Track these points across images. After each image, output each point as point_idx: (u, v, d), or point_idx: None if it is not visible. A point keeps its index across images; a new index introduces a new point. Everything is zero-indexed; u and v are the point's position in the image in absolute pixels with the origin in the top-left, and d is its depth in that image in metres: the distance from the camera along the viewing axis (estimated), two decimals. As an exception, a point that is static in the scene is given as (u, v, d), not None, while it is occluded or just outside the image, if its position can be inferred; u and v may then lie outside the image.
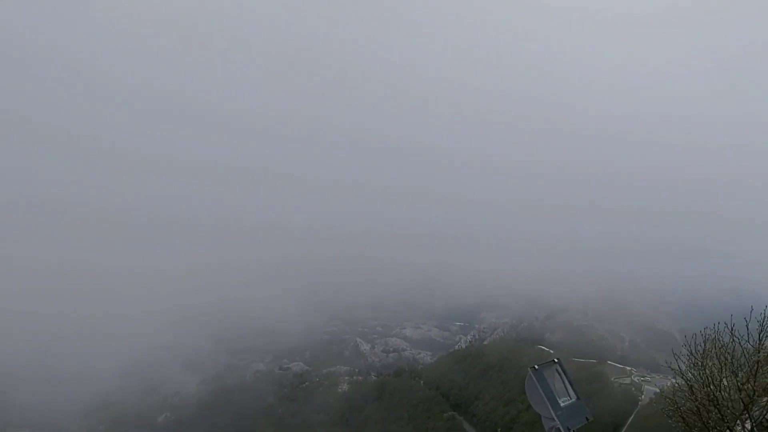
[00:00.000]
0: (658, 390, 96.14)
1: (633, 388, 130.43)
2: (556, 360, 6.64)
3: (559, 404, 6.07)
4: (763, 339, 11.17)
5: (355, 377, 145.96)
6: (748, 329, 11.40)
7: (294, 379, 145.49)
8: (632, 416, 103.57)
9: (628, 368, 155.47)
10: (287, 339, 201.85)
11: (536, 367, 6.25)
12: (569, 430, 5.91)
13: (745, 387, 10.59)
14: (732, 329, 11.47)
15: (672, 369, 12.17)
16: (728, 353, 11.15)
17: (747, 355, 11.07)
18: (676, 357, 12.09)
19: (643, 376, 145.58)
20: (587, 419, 6.24)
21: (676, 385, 13.34)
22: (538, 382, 6.10)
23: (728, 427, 10.78)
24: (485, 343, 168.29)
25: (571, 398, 6.32)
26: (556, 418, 5.99)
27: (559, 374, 6.51)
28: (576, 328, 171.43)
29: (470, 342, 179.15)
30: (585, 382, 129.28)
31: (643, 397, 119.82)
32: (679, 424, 11.98)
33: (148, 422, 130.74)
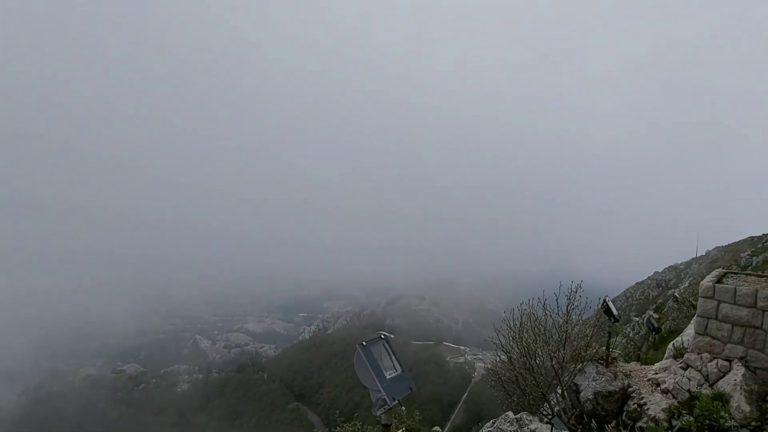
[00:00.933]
0: (488, 366, 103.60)
1: (466, 366, 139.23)
2: (382, 336, 6.94)
3: (385, 377, 6.32)
4: (571, 311, 12.38)
5: (195, 375, 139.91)
6: (557, 303, 12.54)
7: (129, 382, 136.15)
8: (466, 392, 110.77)
9: (462, 347, 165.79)
10: (119, 340, 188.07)
11: (364, 343, 6.45)
12: (394, 399, 6.19)
13: (556, 355, 11.67)
14: (544, 304, 12.57)
15: (494, 343, 13.06)
16: (541, 326, 12.22)
17: (557, 327, 12.22)
18: (498, 332, 12.97)
19: (476, 354, 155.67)
20: (411, 389, 6.61)
21: (499, 358, 14.37)
22: (366, 358, 6.31)
23: (542, 393, 11.84)
24: (329, 332, 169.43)
25: (396, 371, 6.63)
26: (381, 390, 6.22)
27: (386, 349, 6.81)
28: (414, 313, 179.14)
29: (314, 332, 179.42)
30: (423, 363, 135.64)
31: (475, 373, 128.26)
32: (501, 392, 12.95)
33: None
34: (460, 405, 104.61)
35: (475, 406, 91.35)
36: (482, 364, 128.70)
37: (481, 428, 8.68)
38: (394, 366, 6.73)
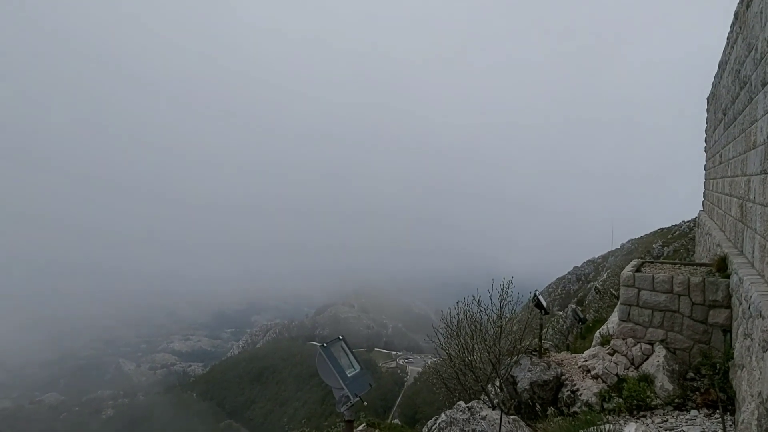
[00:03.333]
0: (420, 369, 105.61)
1: (399, 371, 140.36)
2: (340, 337, 7.29)
3: (346, 375, 6.68)
4: (504, 307, 12.90)
5: (120, 400, 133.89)
6: (491, 300, 13.04)
7: (49, 413, 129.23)
8: (400, 396, 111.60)
9: (393, 352, 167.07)
10: (35, 370, 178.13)
11: (324, 345, 6.78)
12: (356, 395, 6.56)
13: (493, 350, 12.14)
14: (479, 301, 13.05)
15: (433, 342, 13.41)
16: (477, 322, 12.68)
17: (492, 323, 12.70)
18: (436, 331, 13.33)
19: (407, 358, 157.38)
20: (370, 385, 7.00)
21: (438, 358, 14.71)
22: (327, 358, 6.64)
23: (481, 386, 12.28)
24: (258, 346, 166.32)
25: (355, 369, 6.98)
26: (345, 387, 6.55)
27: (344, 350, 7.16)
28: (344, 321, 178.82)
29: (243, 347, 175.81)
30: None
31: (408, 377, 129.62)
32: (443, 390, 13.31)
33: None
34: (394, 409, 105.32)
35: (410, 409, 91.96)
36: (414, 368, 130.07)
37: (435, 421, 8.95)
38: (352, 364, 7.05)
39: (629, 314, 11.69)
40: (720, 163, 16.48)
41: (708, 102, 21.77)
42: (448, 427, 8.52)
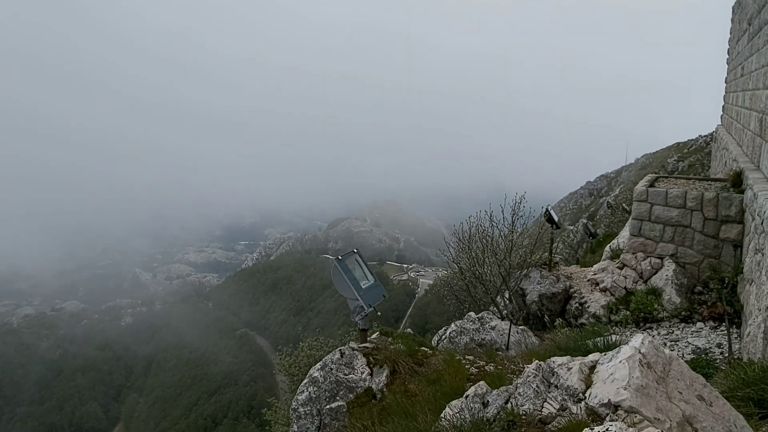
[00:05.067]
0: (431, 282, 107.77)
1: (410, 283, 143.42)
2: (355, 251, 7.49)
3: (360, 286, 6.94)
4: (515, 221, 13.02)
5: (138, 309, 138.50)
6: (503, 214, 13.16)
7: (70, 319, 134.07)
8: (411, 307, 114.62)
9: (405, 266, 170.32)
10: (54, 278, 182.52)
11: (340, 257, 6.98)
12: (370, 306, 6.82)
13: (503, 263, 12.36)
14: (491, 216, 13.19)
15: (444, 256, 13.67)
16: (488, 236, 12.86)
17: (503, 237, 12.87)
18: (448, 245, 13.56)
19: (418, 271, 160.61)
20: (384, 296, 7.26)
21: (449, 271, 14.99)
22: (343, 271, 6.85)
23: (491, 298, 12.61)
24: (272, 258, 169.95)
25: (369, 281, 7.23)
26: (359, 298, 6.82)
27: (358, 263, 7.38)
28: (356, 235, 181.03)
29: (257, 259, 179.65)
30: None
31: (419, 289, 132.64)
32: (453, 301, 13.69)
33: None
34: (405, 319, 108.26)
35: (420, 320, 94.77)
36: (425, 281, 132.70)
37: (446, 330, 9.26)
38: (366, 277, 7.28)
39: (640, 229, 11.78)
40: (741, 75, 16.02)
41: (733, 11, 20.80)
42: (459, 336, 8.83)
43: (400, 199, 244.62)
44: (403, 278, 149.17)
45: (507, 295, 12.73)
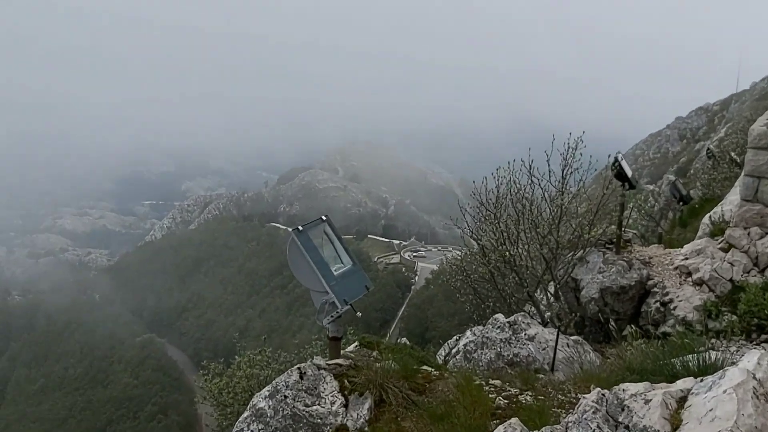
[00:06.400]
0: (436, 267, 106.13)
1: (404, 269, 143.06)
2: (323, 218, 7.11)
3: (332, 273, 6.68)
4: (567, 177, 12.91)
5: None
6: (549, 166, 13.02)
7: None
8: (404, 306, 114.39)
9: (396, 242, 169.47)
10: None
11: (300, 228, 6.63)
12: (347, 302, 6.61)
13: (547, 240, 12.36)
14: (530, 168, 13.00)
15: (458, 228, 13.62)
16: (527, 199, 12.72)
17: (549, 200, 12.78)
18: (463, 212, 13.44)
19: (416, 251, 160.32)
20: (367, 288, 7.05)
21: (464, 250, 14.98)
22: (304, 248, 6.57)
23: (528, 293, 12.63)
24: (192, 227, 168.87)
25: (344, 265, 6.99)
26: (330, 291, 6.55)
27: (328, 236, 7.08)
28: (322, 193, 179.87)
29: (169, 228, 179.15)
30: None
31: (416, 278, 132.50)
32: (470, 297, 13.71)
33: None
34: (396, 322, 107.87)
35: (418, 324, 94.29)
36: (426, 265, 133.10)
37: (457, 341, 9.31)
38: (340, 258, 7.07)
39: (757, 191, 11.78)
40: None
41: None
42: (479, 350, 8.86)
43: (387, 140, 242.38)
44: (394, 261, 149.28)
45: (552, 289, 12.82)
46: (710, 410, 3.43)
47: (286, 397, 6.36)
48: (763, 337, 10.38)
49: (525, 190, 12.79)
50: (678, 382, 3.97)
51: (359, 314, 6.89)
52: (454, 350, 9.11)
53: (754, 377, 3.48)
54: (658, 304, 11.82)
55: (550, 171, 12.95)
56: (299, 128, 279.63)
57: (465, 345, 9.05)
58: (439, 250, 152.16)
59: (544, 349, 8.75)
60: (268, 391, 6.57)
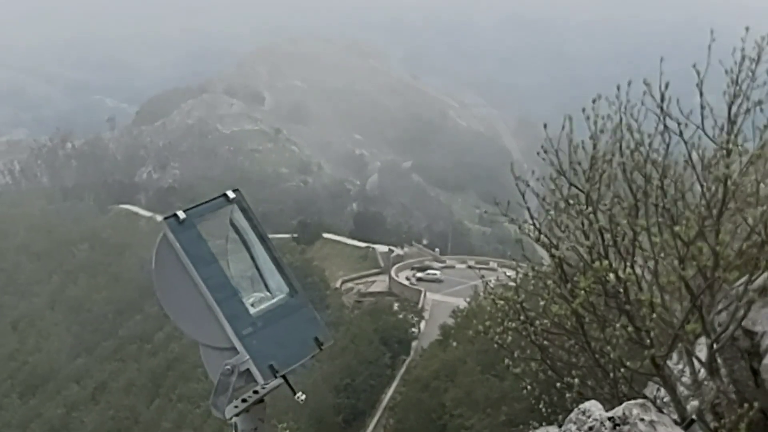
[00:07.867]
0: (464, 303, 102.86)
1: (396, 305, 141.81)
2: (230, 195, 6.01)
3: (246, 310, 5.77)
4: (738, 119, 12.68)
5: None
6: (701, 95, 12.90)
7: None
8: (395, 381, 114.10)
9: (382, 248, 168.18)
10: None
11: (180, 215, 5.58)
12: (275, 372, 5.66)
13: (695, 251, 12.18)
14: (662, 97, 12.74)
15: (512, 220, 13.57)
16: (657, 164, 12.48)
17: (701, 167, 12.58)
18: (523, 188, 13.25)
19: (425, 269, 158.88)
20: (318, 343, 6.11)
21: (526, 269, 14.91)
22: (189, 255, 5.46)
23: (654, 360, 12.49)
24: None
25: (273, 293, 6.24)
26: (241, 346, 5.61)
27: (240, 233, 6.31)
28: (229, 143, 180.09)
29: None
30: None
31: (422, 324, 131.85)
32: (533, 365, 13.74)
33: None
34: (377, 418, 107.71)
35: (421, 422, 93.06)
36: (445, 298, 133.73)
37: None
38: (264, 280, 6.36)
39: None
40: None
41: None
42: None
43: (358, 33, 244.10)
44: (376, 288, 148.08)
45: (704, 354, 12.86)
46: None
47: None
48: None
49: (652, 143, 12.64)
50: None
51: (302, 397, 6.36)
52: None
53: None
54: None
55: (703, 106, 12.56)
56: (183, 15, 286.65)
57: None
58: (470, 267, 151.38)
59: (683, 475, 8.85)
60: None
